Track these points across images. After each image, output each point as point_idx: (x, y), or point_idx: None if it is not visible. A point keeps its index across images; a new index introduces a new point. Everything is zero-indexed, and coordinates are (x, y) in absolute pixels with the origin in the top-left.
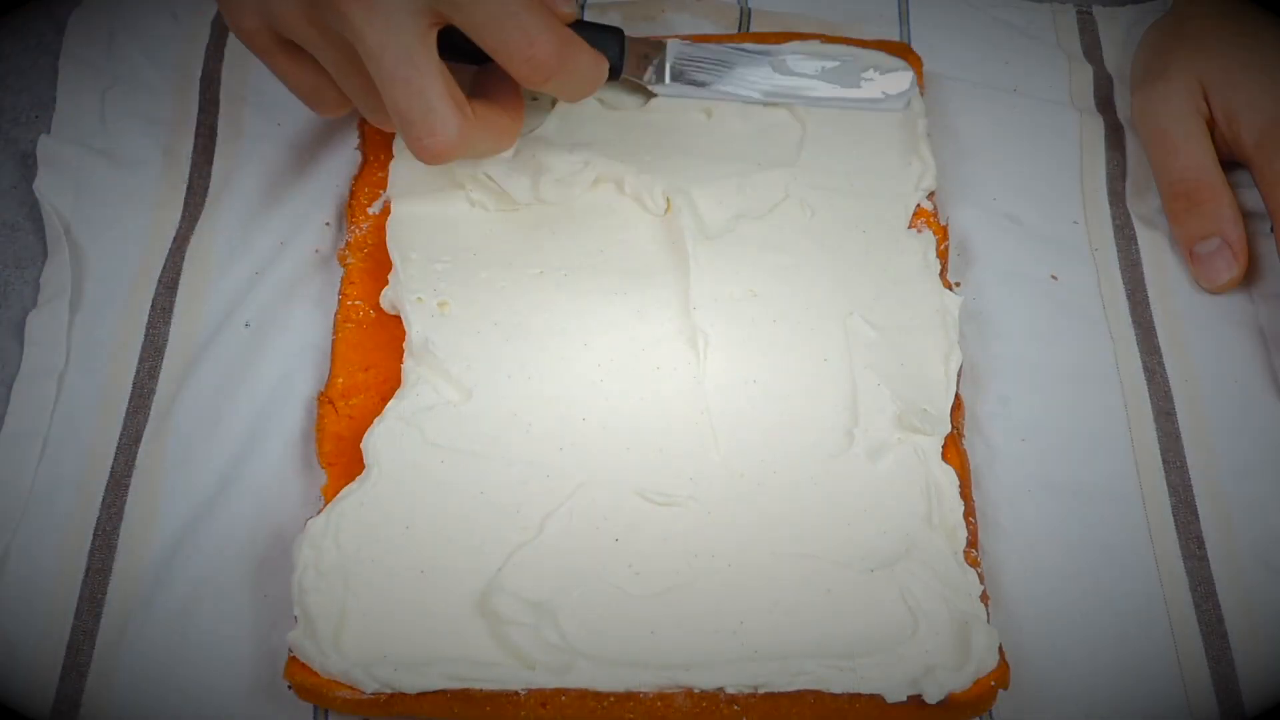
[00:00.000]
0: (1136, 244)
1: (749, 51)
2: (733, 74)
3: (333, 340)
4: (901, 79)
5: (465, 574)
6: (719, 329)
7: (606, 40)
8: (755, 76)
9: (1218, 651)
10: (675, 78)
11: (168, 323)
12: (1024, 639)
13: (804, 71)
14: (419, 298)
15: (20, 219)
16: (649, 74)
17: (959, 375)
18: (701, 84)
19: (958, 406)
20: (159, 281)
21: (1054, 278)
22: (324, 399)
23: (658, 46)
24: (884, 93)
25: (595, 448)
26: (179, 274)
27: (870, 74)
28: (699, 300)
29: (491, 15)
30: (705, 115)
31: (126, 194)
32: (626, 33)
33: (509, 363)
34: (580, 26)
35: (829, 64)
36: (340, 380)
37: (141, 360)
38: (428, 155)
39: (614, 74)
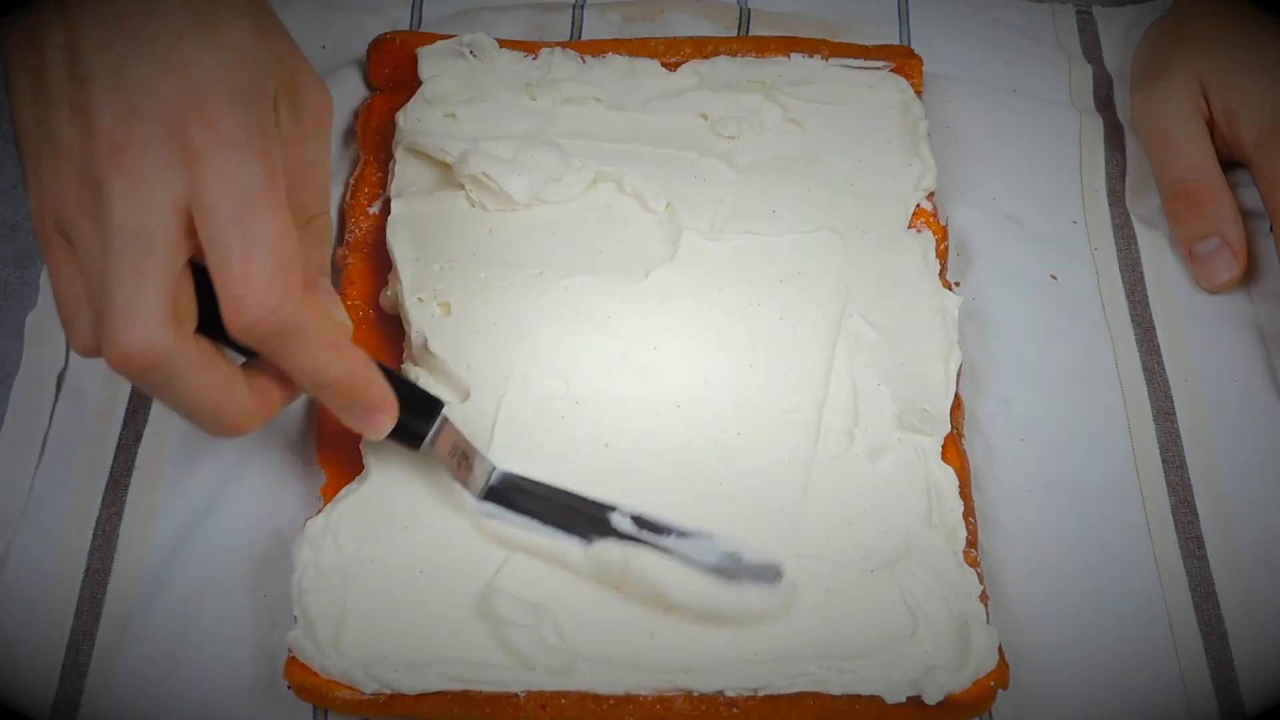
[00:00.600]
0: (1136, 244)
1: (585, 509)
2: (563, 519)
3: None
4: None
5: (465, 574)
6: (719, 329)
7: (416, 400)
8: (588, 529)
9: (1218, 651)
10: (493, 497)
11: None
12: (1024, 639)
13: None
14: (419, 298)
15: (20, 219)
16: (467, 476)
17: (959, 375)
18: (523, 511)
19: (958, 406)
20: None
21: (1054, 278)
22: None
23: (481, 461)
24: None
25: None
26: None
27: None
28: (699, 300)
29: (224, 225)
30: (703, 118)
31: None
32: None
33: (509, 363)
34: (399, 383)
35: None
36: None
37: None
38: (111, 353)
39: (414, 439)
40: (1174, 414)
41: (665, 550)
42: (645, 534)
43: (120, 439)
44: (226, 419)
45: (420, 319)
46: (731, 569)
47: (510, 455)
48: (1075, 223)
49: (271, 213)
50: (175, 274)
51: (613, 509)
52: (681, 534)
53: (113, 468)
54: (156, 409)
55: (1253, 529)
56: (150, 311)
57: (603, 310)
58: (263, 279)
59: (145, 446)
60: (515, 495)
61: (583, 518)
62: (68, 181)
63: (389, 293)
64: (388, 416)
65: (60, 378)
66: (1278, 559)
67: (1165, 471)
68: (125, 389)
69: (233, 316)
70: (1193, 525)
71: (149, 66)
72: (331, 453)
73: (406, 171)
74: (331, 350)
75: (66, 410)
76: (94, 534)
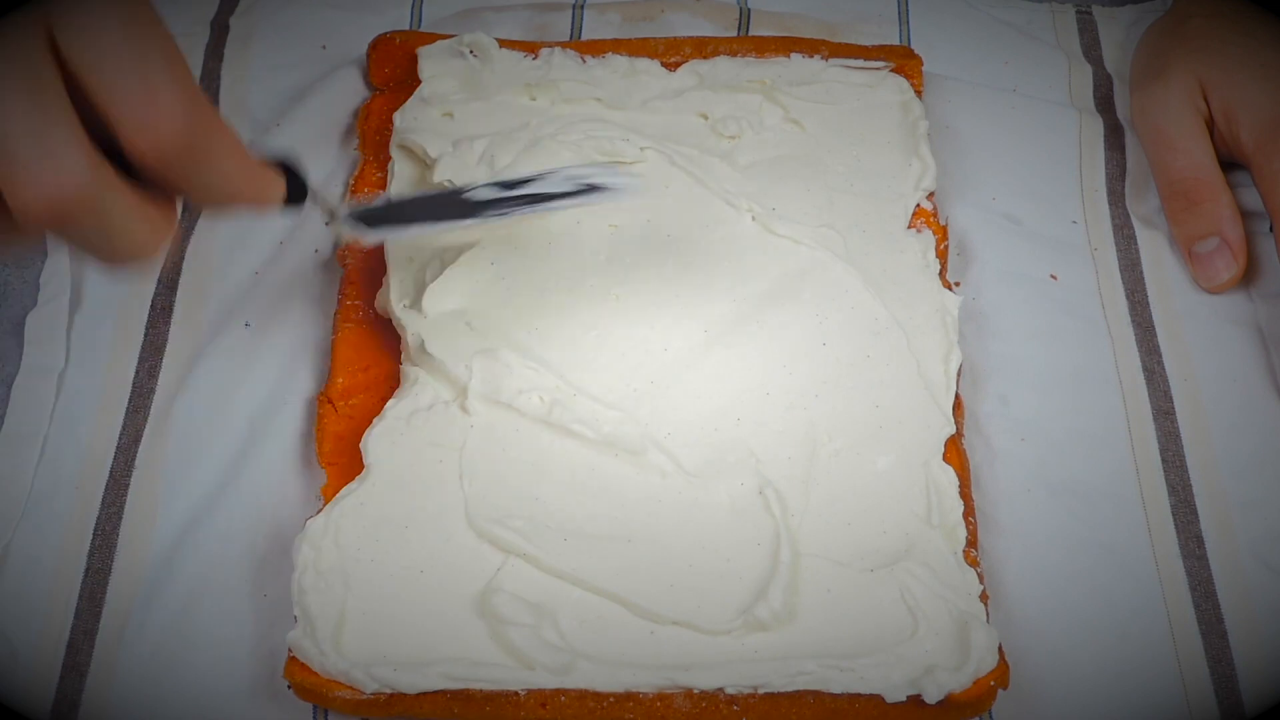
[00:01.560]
0: (1136, 244)
1: (449, 199)
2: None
3: (332, 340)
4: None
5: (465, 574)
6: (719, 330)
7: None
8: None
9: (1217, 651)
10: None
11: (168, 322)
12: (1024, 639)
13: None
14: (404, 303)
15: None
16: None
17: (959, 375)
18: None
19: (958, 406)
20: (159, 281)
21: (1053, 277)
22: (324, 399)
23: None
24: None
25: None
26: (179, 274)
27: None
28: (699, 301)
29: (112, 60)
30: (703, 118)
31: None
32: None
33: (508, 361)
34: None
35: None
36: (340, 380)
37: (141, 360)
38: (38, 198)
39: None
40: (1173, 413)
41: (536, 197)
42: (512, 192)
43: (120, 439)
44: (143, 243)
45: (413, 322)
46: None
47: (509, 451)
48: (1075, 223)
49: (154, 23)
50: (67, 103)
51: (471, 188)
52: (540, 178)
53: (112, 467)
54: (156, 408)
55: (1252, 529)
56: (67, 149)
57: (601, 310)
58: (170, 93)
59: (145, 445)
60: (385, 215)
61: (454, 205)
62: None
63: (383, 296)
64: (278, 204)
65: (60, 377)
66: (1277, 559)
67: (1165, 471)
68: (125, 389)
69: (140, 139)
70: (1192, 525)
71: None
72: (332, 453)
73: (403, 171)
74: (238, 159)
75: (66, 410)
76: (94, 534)
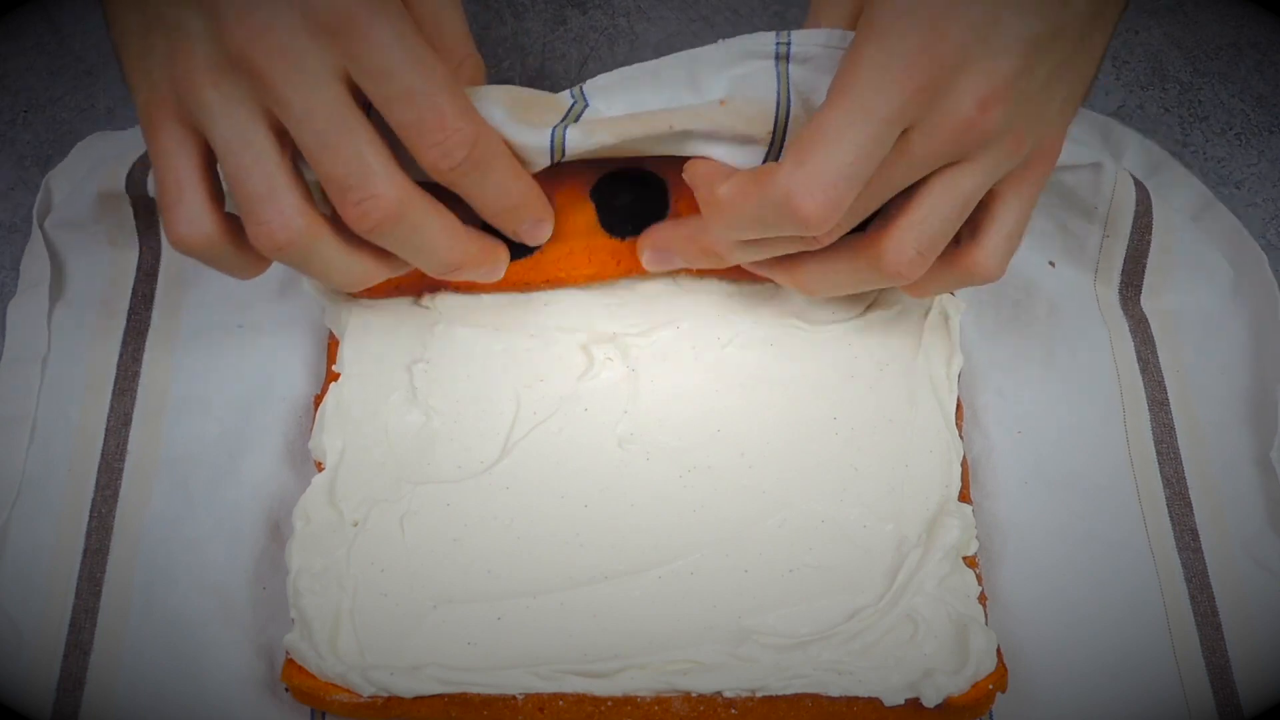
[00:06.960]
0: (1151, 232)
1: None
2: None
3: (329, 342)
4: None
5: (462, 577)
6: (717, 334)
7: None
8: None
9: (1212, 643)
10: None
11: (149, 309)
12: (1022, 637)
13: None
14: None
15: (17, 221)
16: None
17: (959, 375)
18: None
19: (958, 407)
20: (138, 268)
21: (1051, 265)
22: (321, 400)
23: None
24: None
25: (594, 450)
26: (159, 260)
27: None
28: (696, 304)
29: (401, 82)
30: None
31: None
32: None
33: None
34: None
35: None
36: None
37: (124, 344)
38: (366, 221)
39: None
40: (1168, 404)
41: None
42: None
43: (109, 421)
44: (354, 280)
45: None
46: None
47: (524, 454)
48: (1084, 211)
49: (434, 58)
50: (375, 133)
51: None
52: None
53: (104, 450)
54: (144, 390)
55: (1243, 525)
56: (387, 180)
57: (598, 309)
58: (459, 120)
59: (136, 430)
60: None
61: None
62: (200, 72)
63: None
64: (550, 223)
65: (44, 363)
66: (1266, 554)
67: (1160, 464)
68: (109, 372)
69: (439, 161)
70: (1187, 518)
71: None
72: None
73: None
74: (515, 170)
75: (53, 394)
76: (90, 515)
